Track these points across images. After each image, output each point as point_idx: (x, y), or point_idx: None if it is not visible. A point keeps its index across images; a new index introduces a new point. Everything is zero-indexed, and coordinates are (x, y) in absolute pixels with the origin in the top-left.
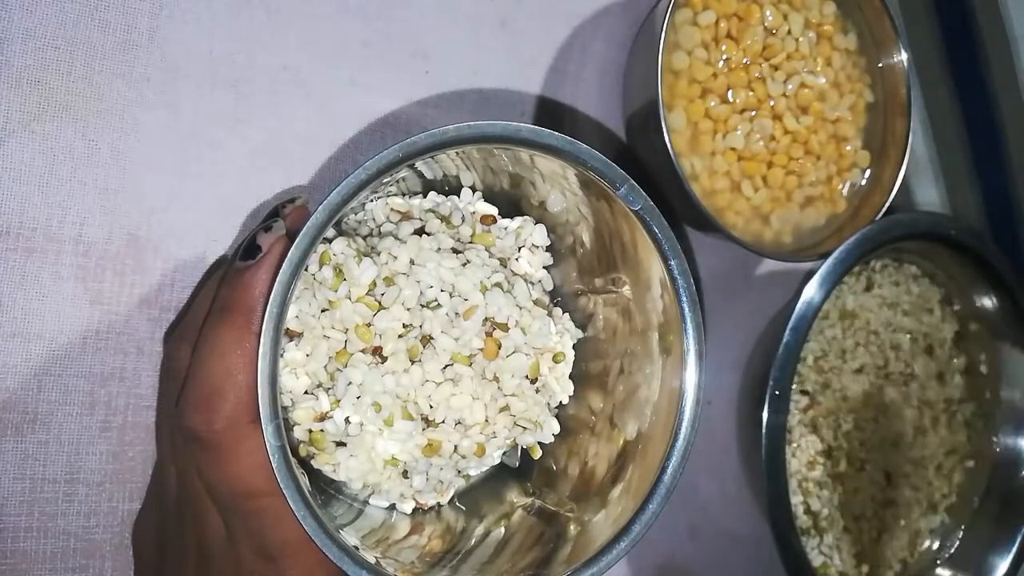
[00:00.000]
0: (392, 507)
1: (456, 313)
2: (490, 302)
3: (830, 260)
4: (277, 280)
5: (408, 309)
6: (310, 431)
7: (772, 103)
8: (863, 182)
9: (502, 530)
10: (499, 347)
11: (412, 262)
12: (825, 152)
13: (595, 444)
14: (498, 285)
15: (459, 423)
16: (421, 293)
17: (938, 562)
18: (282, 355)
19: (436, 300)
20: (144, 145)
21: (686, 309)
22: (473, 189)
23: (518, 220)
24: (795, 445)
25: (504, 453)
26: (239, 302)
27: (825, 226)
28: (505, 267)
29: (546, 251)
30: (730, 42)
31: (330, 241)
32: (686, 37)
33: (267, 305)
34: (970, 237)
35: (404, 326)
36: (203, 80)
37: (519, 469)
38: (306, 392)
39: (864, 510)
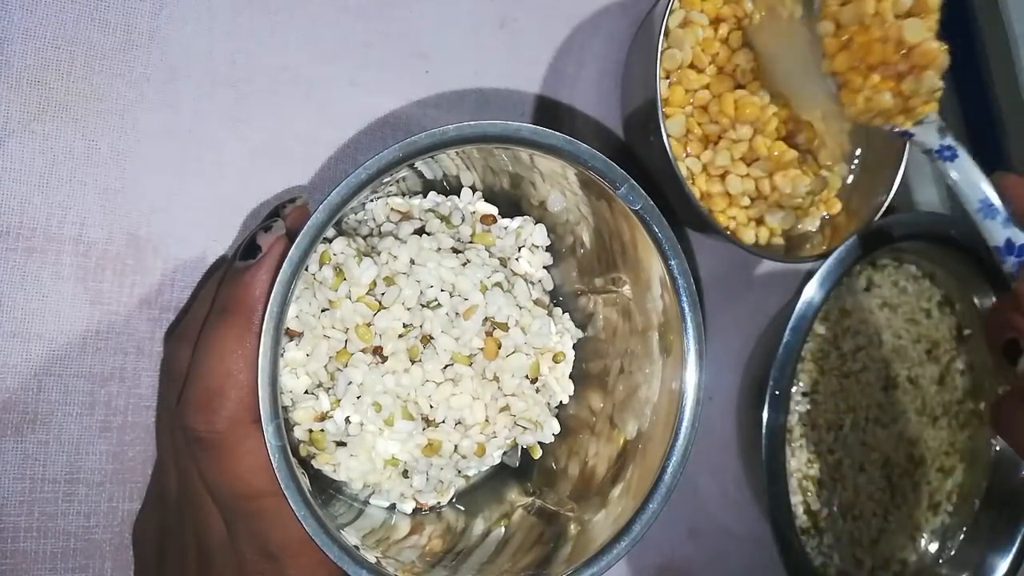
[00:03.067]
0: (392, 507)
1: (456, 313)
2: (490, 302)
3: (830, 260)
4: (277, 280)
5: (408, 309)
6: (310, 431)
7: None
8: (851, 179)
9: (502, 530)
10: (499, 347)
11: (412, 262)
12: (821, 154)
13: (595, 444)
14: (498, 285)
15: (459, 423)
16: (421, 293)
17: (939, 562)
18: (282, 355)
19: (436, 300)
20: (144, 145)
21: (686, 309)
22: (473, 189)
23: (518, 220)
24: (795, 445)
25: (504, 453)
26: (239, 302)
27: (823, 226)
28: (505, 267)
29: (546, 251)
30: (724, 46)
31: (330, 241)
32: (685, 38)
33: (267, 305)
34: (970, 237)
35: (404, 326)
36: (203, 80)
37: (519, 469)
38: (306, 392)
39: (864, 510)
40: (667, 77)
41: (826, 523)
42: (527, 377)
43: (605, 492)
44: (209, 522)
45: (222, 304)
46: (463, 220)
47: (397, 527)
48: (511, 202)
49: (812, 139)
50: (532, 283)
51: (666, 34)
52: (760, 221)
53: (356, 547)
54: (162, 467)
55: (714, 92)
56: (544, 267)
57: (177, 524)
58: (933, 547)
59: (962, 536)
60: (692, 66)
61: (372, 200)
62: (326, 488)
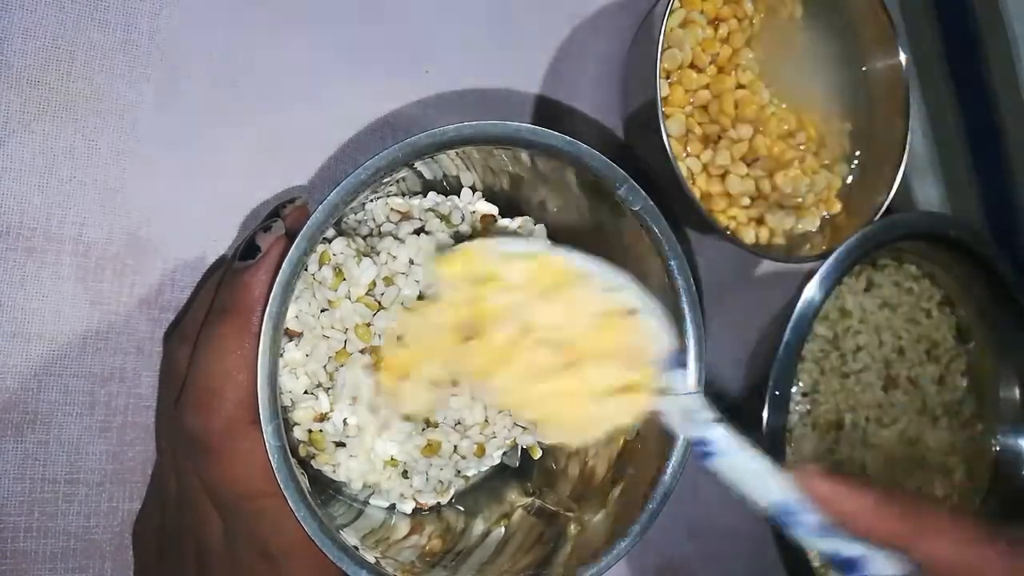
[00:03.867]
0: (392, 507)
1: None
2: None
3: (830, 260)
4: (277, 280)
5: (408, 309)
6: (310, 431)
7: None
8: (851, 179)
9: (502, 530)
10: None
11: (412, 262)
12: (821, 154)
13: (595, 444)
14: None
15: (458, 423)
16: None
17: None
18: (282, 355)
19: None
20: (144, 145)
21: (686, 309)
22: (473, 189)
23: (518, 220)
24: (795, 445)
25: (504, 453)
26: (238, 302)
27: (823, 226)
28: None
29: None
30: (724, 46)
31: (330, 241)
32: (684, 37)
33: (267, 305)
34: (970, 237)
35: None
36: (203, 80)
37: (519, 469)
38: (306, 392)
39: None
40: (667, 77)
41: None
42: None
43: (605, 492)
44: (209, 523)
45: (221, 304)
46: (463, 220)
47: (397, 527)
48: (511, 202)
49: (812, 139)
50: None
51: (666, 34)
52: (760, 221)
53: (356, 547)
54: (162, 467)
55: (714, 92)
56: None
57: (177, 524)
58: None
59: None
60: (692, 66)
61: (372, 200)
62: (326, 488)
